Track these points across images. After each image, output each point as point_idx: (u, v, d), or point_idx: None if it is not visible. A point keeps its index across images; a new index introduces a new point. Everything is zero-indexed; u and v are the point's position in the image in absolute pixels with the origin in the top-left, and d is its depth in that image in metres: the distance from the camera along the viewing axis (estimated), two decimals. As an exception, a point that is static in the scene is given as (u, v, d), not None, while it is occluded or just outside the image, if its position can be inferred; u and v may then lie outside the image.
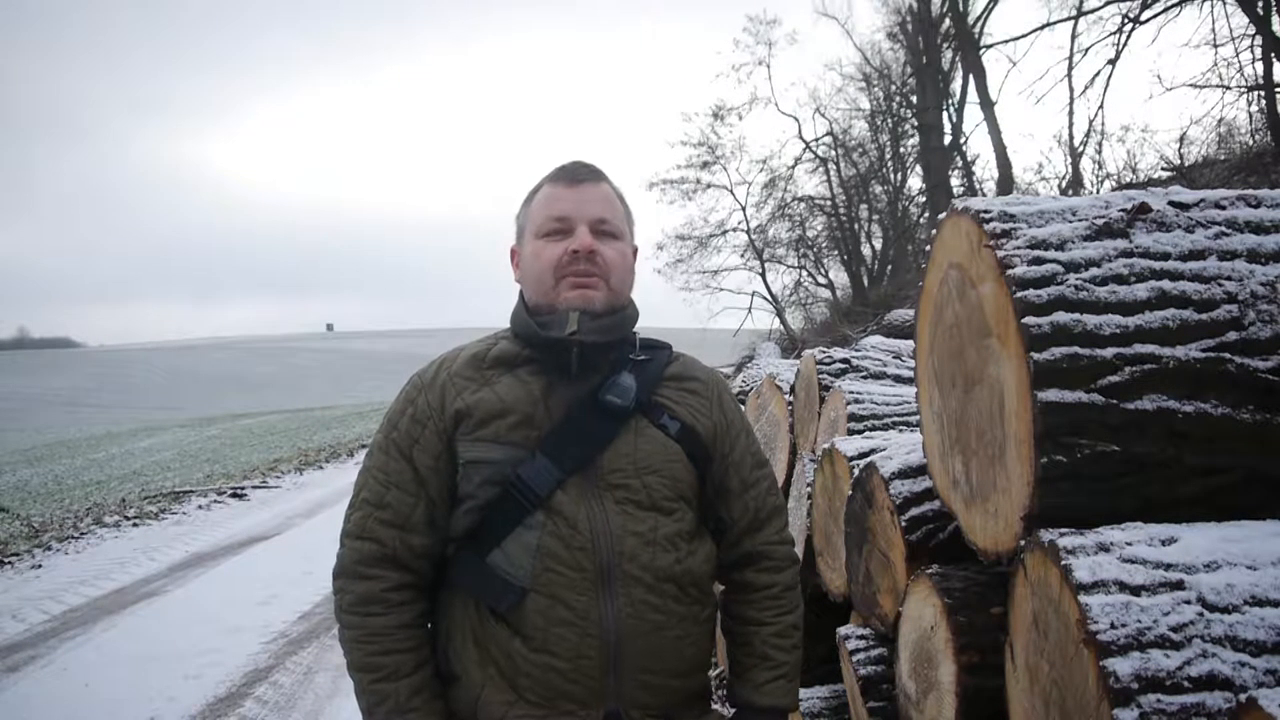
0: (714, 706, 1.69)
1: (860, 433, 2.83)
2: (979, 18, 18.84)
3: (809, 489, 2.87)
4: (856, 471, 2.34)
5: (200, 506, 10.95)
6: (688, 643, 1.53)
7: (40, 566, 8.05)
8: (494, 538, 1.49)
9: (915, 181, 25.40)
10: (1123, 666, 1.17)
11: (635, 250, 1.68)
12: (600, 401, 1.52)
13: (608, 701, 1.47)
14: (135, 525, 9.83)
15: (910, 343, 3.30)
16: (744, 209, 25.91)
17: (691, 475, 1.58)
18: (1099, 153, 14.47)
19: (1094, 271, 1.47)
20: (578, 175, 1.61)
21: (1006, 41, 17.60)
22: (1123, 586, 1.24)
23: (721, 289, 26.21)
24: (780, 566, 1.67)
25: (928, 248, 1.82)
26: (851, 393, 3.06)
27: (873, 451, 2.40)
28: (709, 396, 1.65)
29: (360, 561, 1.52)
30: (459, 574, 1.53)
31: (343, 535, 1.56)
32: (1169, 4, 12.46)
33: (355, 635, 1.51)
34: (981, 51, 18.26)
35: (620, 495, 1.51)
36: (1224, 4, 11.49)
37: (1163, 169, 12.56)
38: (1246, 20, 10.91)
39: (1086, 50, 14.34)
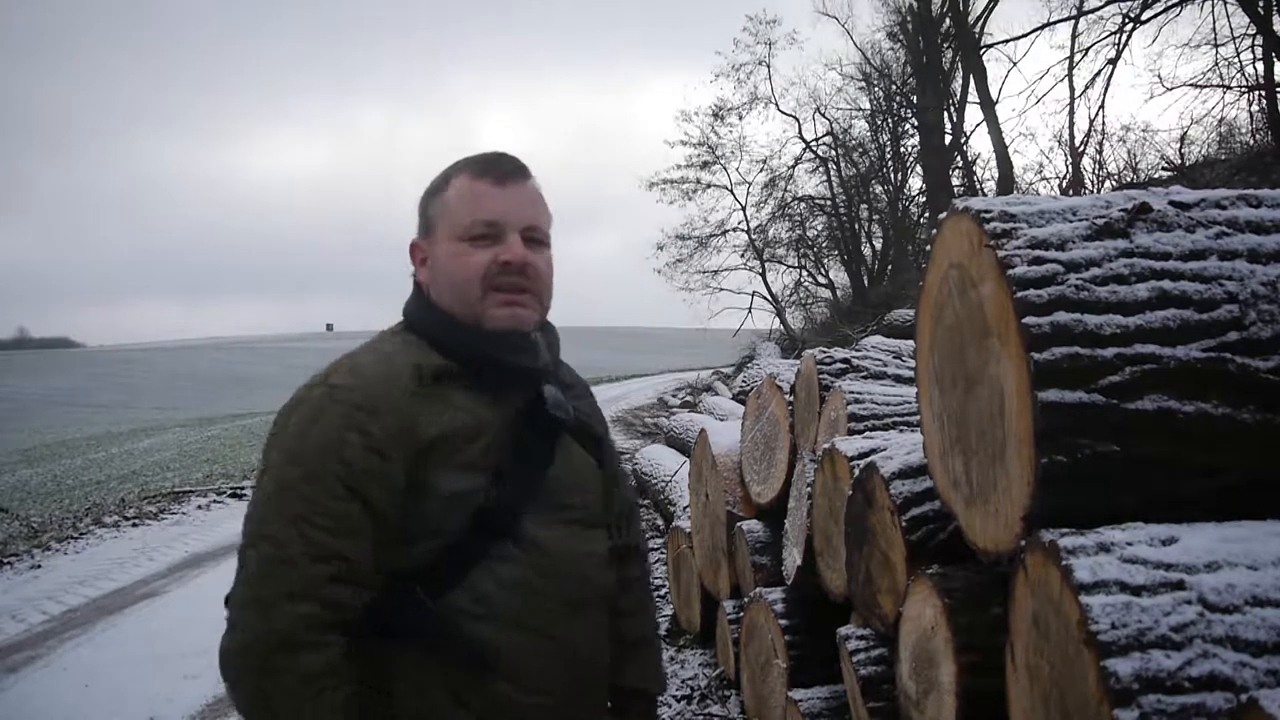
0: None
1: (860, 433, 2.83)
2: (979, 18, 18.87)
3: (809, 489, 2.87)
4: (857, 472, 2.34)
5: (200, 506, 10.93)
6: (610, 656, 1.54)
7: (40, 567, 8.04)
8: (455, 575, 1.33)
9: (915, 181, 25.40)
10: (1123, 667, 1.17)
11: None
12: (548, 419, 1.41)
13: None
14: (135, 525, 9.81)
15: (910, 343, 3.30)
16: (744, 209, 25.92)
17: (603, 484, 1.53)
18: (1099, 153, 14.52)
19: (1094, 271, 1.47)
20: (506, 171, 1.43)
21: (1006, 41, 17.66)
22: (1123, 587, 1.24)
23: (721, 289, 26.22)
24: (644, 556, 1.71)
25: (928, 248, 1.82)
26: (852, 393, 3.06)
27: (873, 451, 2.39)
28: (592, 398, 1.59)
29: (312, 628, 1.25)
30: (411, 621, 1.32)
31: (270, 597, 1.27)
32: (1169, 4, 12.49)
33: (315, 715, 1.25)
34: (981, 51, 18.28)
35: (567, 516, 1.43)
36: (1224, 4, 11.52)
37: (1163, 169, 12.58)
38: (1247, 20, 10.93)
39: (1087, 50, 14.39)
